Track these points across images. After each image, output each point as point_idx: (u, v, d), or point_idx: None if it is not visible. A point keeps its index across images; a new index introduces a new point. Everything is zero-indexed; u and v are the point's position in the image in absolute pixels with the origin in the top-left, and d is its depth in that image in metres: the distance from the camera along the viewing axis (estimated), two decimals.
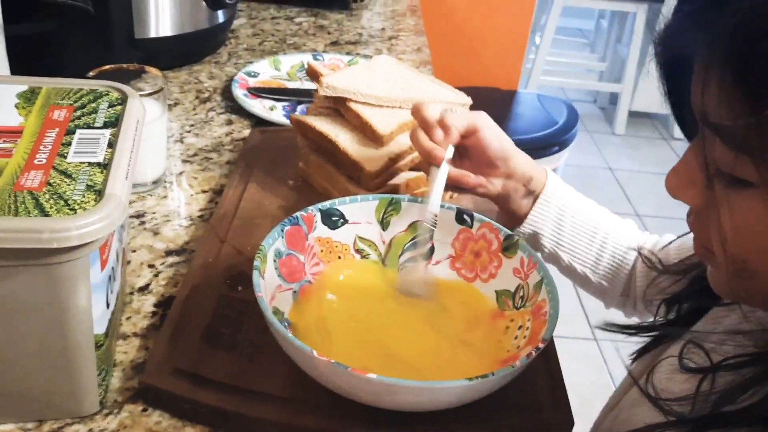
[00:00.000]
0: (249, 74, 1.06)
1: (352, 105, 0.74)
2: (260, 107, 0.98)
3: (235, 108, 0.99)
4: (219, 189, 0.81)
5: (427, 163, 0.65)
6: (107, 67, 0.77)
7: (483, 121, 0.65)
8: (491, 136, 0.65)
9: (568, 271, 0.72)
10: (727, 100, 0.38)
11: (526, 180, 0.68)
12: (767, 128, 0.36)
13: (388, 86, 0.77)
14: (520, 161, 0.67)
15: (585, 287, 0.74)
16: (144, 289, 0.66)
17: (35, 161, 0.49)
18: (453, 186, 0.66)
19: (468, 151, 0.66)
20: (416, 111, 0.66)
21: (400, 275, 0.65)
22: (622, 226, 0.73)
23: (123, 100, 0.58)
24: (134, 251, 0.71)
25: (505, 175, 0.67)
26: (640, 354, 0.61)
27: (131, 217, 0.75)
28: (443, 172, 0.63)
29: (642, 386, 0.50)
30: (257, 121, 0.96)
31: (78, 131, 0.53)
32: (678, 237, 0.69)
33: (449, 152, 0.63)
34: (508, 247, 0.63)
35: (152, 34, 1.03)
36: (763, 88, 0.36)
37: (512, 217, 0.71)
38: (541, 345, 0.51)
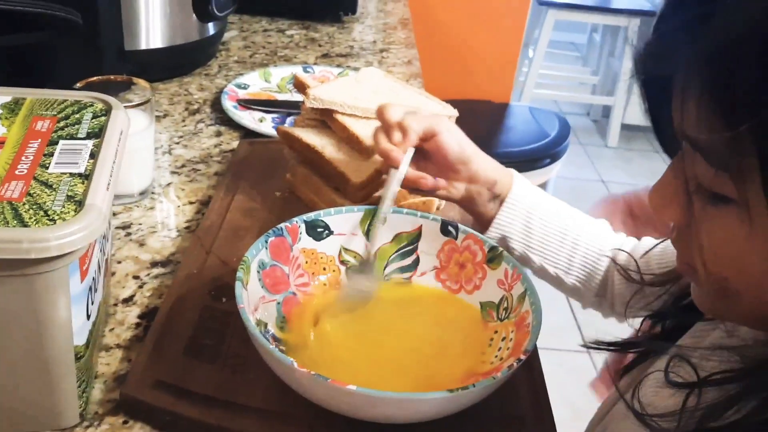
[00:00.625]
0: (239, 86, 1.07)
1: (339, 117, 0.75)
2: (249, 119, 0.98)
3: (224, 120, 0.99)
4: (206, 200, 0.81)
5: (386, 165, 0.65)
6: (95, 78, 0.77)
7: (443, 125, 0.66)
8: (450, 140, 0.65)
9: (541, 272, 0.72)
10: (705, 117, 0.39)
11: (490, 183, 0.68)
12: (744, 144, 0.37)
13: (375, 98, 0.77)
14: (483, 165, 0.67)
15: (560, 288, 0.74)
16: (128, 300, 0.66)
17: (16, 172, 0.49)
18: (411, 188, 0.67)
19: (429, 155, 0.67)
20: (379, 112, 0.66)
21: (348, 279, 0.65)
22: (595, 227, 0.72)
23: (107, 111, 0.58)
24: (119, 262, 0.70)
25: (468, 179, 0.67)
26: (627, 369, 0.60)
27: (117, 228, 0.75)
28: (400, 174, 0.63)
29: (628, 401, 0.49)
30: (246, 133, 0.96)
31: (61, 142, 0.53)
32: (659, 242, 0.69)
33: (407, 155, 0.64)
34: (493, 258, 0.63)
35: (142, 46, 1.03)
36: (739, 106, 0.36)
37: (480, 221, 0.71)
38: (522, 356, 0.50)
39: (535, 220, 0.69)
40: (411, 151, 0.64)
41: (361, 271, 0.64)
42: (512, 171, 0.71)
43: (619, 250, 0.70)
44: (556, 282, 0.72)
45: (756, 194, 0.39)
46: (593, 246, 0.71)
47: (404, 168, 0.63)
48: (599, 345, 0.58)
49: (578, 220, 0.72)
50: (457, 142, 0.66)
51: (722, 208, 0.40)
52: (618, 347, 0.59)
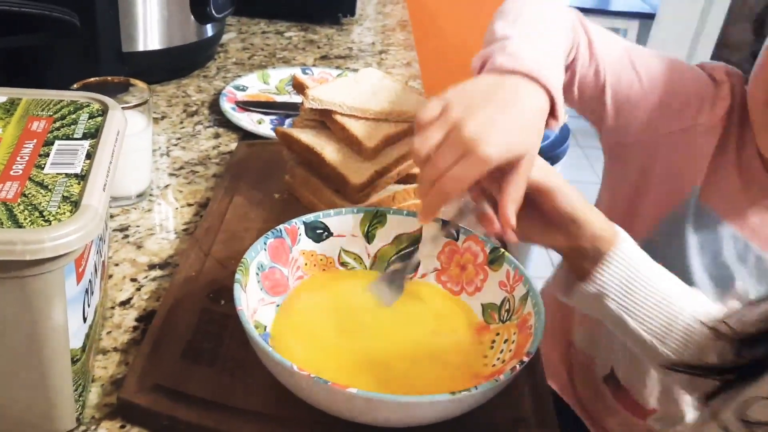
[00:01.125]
0: (237, 88, 1.06)
1: (338, 117, 0.74)
2: (248, 121, 0.97)
3: (222, 121, 0.98)
4: (204, 202, 0.81)
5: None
6: (92, 79, 0.76)
7: (556, 183, 0.57)
8: (563, 202, 0.57)
9: (634, 337, 0.62)
10: None
11: (595, 240, 0.59)
12: None
13: (374, 99, 0.77)
14: (591, 226, 0.59)
15: (650, 357, 0.64)
16: (126, 303, 0.65)
17: (11, 172, 0.48)
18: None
19: (537, 205, 0.58)
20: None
21: (380, 278, 0.62)
22: (695, 295, 0.64)
23: (104, 111, 0.57)
24: (117, 265, 0.70)
25: (574, 238, 0.59)
26: (712, 395, 0.56)
27: (114, 230, 0.75)
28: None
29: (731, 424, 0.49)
30: (245, 135, 0.95)
31: (57, 142, 0.52)
32: (761, 301, 0.62)
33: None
34: (494, 260, 0.62)
35: (140, 48, 1.02)
36: None
37: (577, 273, 0.62)
38: (525, 359, 0.50)
39: (636, 281, 0.60)
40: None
41: (391, 281, 0.61)
42: (617, 228, 0.61)
43: (722, 321, 0.61)
44: (650, 350, 0.62)
45: None
46: (693, 315, 0.62)
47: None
48: (680, 368, 0.57)
49: (680, 287, 0.63)
50: (570, 206, 0.58)
51: None
52: (701, 371, 0.57)
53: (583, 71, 0.77)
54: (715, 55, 3.20)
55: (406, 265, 0.62)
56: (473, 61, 0.63)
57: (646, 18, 2.85)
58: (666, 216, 0.79)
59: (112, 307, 0.65)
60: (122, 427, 0.53)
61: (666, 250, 0.74)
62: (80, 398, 0.52)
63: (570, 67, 0.76)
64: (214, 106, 1.02)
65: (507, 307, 0.59)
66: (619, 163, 0.86)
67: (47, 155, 0.51)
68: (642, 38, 3.00)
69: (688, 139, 0.77)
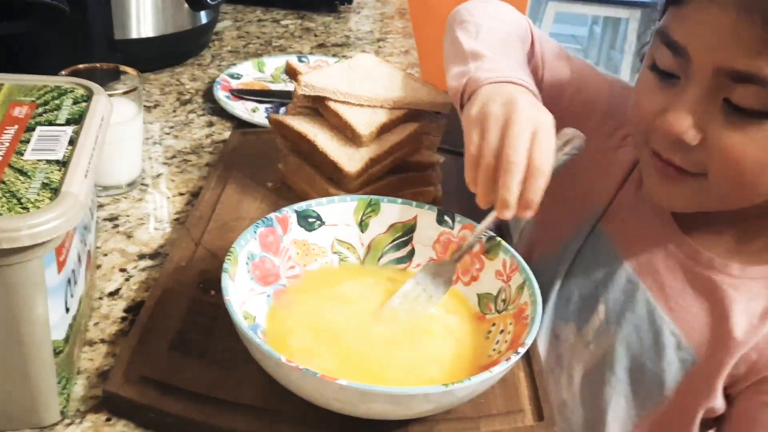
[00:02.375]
0: (232, 76, 1.04)
1: (332, 104, 0.72)
2: (242, 109, 0.96)
3: (216, 110, 0.97)
4: (197, 191, 0.79)
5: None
6: (81, 66, 0.75)
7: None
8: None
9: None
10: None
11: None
12: None
13: (369, 85, 0.75)
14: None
15: None
16: (114, 293, 0.64)
17: None
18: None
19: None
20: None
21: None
22: None
23: (88, 96, 0.56)
24: (105, 255, 0.68)
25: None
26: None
27: (104, 220, 0.73)
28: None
29: None
30: (239, 123, 0.94)
31: (38, 128, 0.51)
32: None
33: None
34: (490, 248, 0.60)
35: (133, 36, 1.01)
36: None
37: None
38: (521, 349, 0.48)
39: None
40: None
41: (437, 273, 0.60)
42: None
43: None
44: None
45: None
46: None
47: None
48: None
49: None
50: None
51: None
52: None
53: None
54: None
55: (456, 254, 0.60)
56: (451, 80, 0.68)
57: (648, 7, 2.82)
58: (581, 224, 0.76)
59: (100, 298, 0.63)
60: (108, 420, 0.52)
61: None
62: (64, 391, 0.51)
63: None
64: (208, 95, 1.00)
65: (503, 297, 0.58)
66: None
67: (28, 141, 0.49)
68: (644, 27, 2.98)
69: (608, 160, 0.74)
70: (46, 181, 0.45)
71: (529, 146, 0.54)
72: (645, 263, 0.69)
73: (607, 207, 0.74)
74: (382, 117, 0.73)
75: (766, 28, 0.50)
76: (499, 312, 0.57)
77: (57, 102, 0.54)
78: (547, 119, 0.58)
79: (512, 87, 0.61)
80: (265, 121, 0.92)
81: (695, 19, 0.54)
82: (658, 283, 0.68)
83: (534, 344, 0.56)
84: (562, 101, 0.76)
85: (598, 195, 0.74)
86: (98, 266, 0.66)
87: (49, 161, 0.47)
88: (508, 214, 0.55)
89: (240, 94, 0.99)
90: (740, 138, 0.54)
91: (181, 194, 0.79)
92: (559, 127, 0.69)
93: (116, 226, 0.73)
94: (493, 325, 0.57)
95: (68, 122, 0.52)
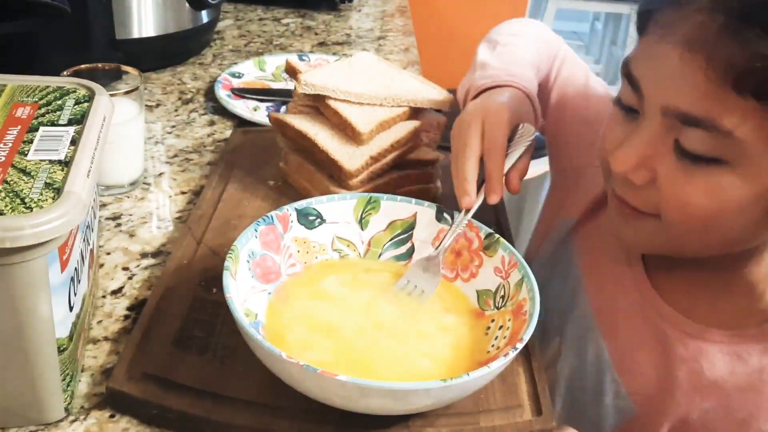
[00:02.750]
0: (233, 75, 1.05)
1: (332, 103, 0.73)
2: (243, 108, 0.96)
3: (217, 109, 0.97)
4: (198, 190, 0.80)
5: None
6: (82, 66, 0.75)
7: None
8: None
9: None
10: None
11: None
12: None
13: (368, 83, 0.75)
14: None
15: None
16: (117, 292, 0.65)
17: None
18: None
19: None
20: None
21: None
22: None
23: (90, 97, 0.56)
24: (108, 254, 0.69)
25: None
26: None
27: (107, 219, 0.74)
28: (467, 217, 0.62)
29: None
30: (240, 122, 0.94)
31: (41, 128, 0.51)
32: None
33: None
34: (489, 245, 0.61)
35: (134, 35, 1.01)
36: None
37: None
38: (519, 345, 0.49)
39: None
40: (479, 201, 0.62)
41: (426, 268, 0.61)
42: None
43: None
44: None
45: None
46: None
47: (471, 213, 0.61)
48: None
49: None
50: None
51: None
52: None
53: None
54: None
55: (439, 249, 0.62)
56: (459, 89, 0.74)
57: None
58: (554, 229, 0.76)
59: (103, 296, 0.64)
60: (111, 416, 0.53)
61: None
62: (68, 388, 0.51)
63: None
64: (210, 94, 1.01)
65: (502, 293, 0.58)
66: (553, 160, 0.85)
67: (31, 141, 0.50)
68: None
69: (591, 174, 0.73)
70: (48, 180, 0.46)
71: (481, 131, 0.62)
72: (604, 298, 0.67)
73: (581, 219, 0.72)
74: (381, 115, 0.73)
75: (709, 70, 0.46)
76: (497, 308, 0.58)
77: (59, 102, 0.55)
78: (493, 107, 0.64)
79: (499, 90, 0.68)
80: (266, 120, 0.93)
81: (648, 53, 0.52)
82: (612, 325, 0.65)
83: (532, 340, 0.56)
84: (565, 118, 0.78)
85: (575, 203, 0.74)
86: (101, 265, 0.67)
87: (51, 161, 0.48)
88: (467, 200, 0.61)
89: (241, 93, 1.00)
90: (688, 183, 0.51)
91: (183, 193, 0.79)
92: (559, 141, 0.71)
93: (119, 225, 0.73)
94: (492, 321, 0.58)
95: (70, 122, 0.53)
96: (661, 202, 0.53)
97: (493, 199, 0.61)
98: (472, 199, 0.60)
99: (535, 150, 2.10)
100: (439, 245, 0.62)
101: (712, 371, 0.59)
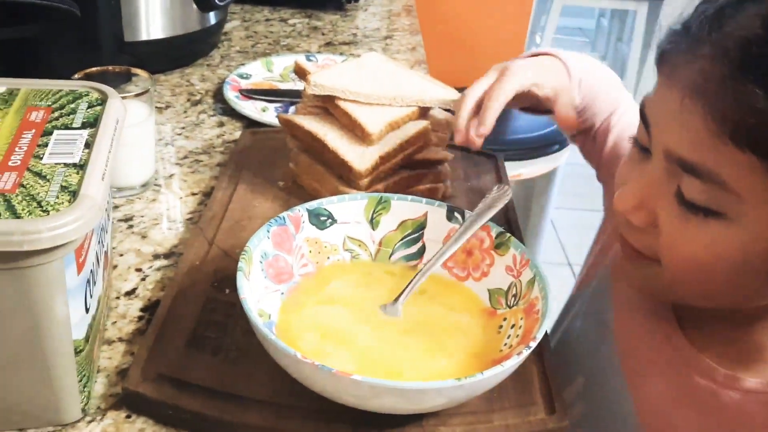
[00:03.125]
0: (241, 76, 1.05)
1: (341, 103, 0.73)
2: (252, 109, 0.97)
3: (226, 110, 0.98)
4: (209, 191, 0.80)
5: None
6: (93, 69, 0.76)
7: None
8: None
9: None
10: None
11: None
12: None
13: (377, 84, 0.76)
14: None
15: None
16: (131, 293, 0.65)
17: (9, 163, 0.48)
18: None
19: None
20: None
21: None
22: None
23: (103, 100, 0.57)
24: (121, 255, 0.69)
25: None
26: None
27: (119, 220, 0.74)
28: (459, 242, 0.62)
29: None
30: (249, 123, 0.95)
31: (55, 132, 0.52)
32: None
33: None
34: (500, 244, 0.61)
35: (143, 37, 1.02)
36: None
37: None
38: (532, 343, 0.49)
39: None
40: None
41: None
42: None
43: None
44: None
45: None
46: None
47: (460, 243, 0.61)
48: None
49: None
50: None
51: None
52: None
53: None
54: None
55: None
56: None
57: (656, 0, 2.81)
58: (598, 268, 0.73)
59: (117, 298, 0.64)
60: (128, 417, 0.53)
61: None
62: (85, 389, 0.52)
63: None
64: (218, 95, 1.01)
65: (514, 291, 0.58)
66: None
67: (46, 145, 0.50)
68: (651, 19, 2.97)
69: None
70: (64, 184, 0.46)
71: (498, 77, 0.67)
72: (633, 346, 0.63)
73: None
74: (390, 115, 0.74)
75: (708, 119, 0.45)
76: (509, 307, 0.58)
77: (72, 106, 0.55)
78: (519, 62, 0.68)
79: (538, 57, 0.72)
80: (275, 121, 0.93)
81: (657, 94, 0.50)
82: (640, 373, 0.61)
83: (545, 338, 0.56)
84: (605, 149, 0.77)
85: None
86: (114, 266, 0.68)
87: (66, 164, 0.48)
88: (457, 137, 0.67)
89: (249, 94, 1.00)
90: (686, 231, 0.48)
91: (194, 194, 0.80)
92: (611, 189, 0.64)
93: (131, 226, 0.74)
94: (504, 320, 0.58)
95: (84, 126, 0.53)
96: (659, 248, 0.51)
97: (476, 142, 0.67)
98: (462, 135, 0.67)
99: (545, 146, 2.09)
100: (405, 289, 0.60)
101: (750, 421, 0.55)
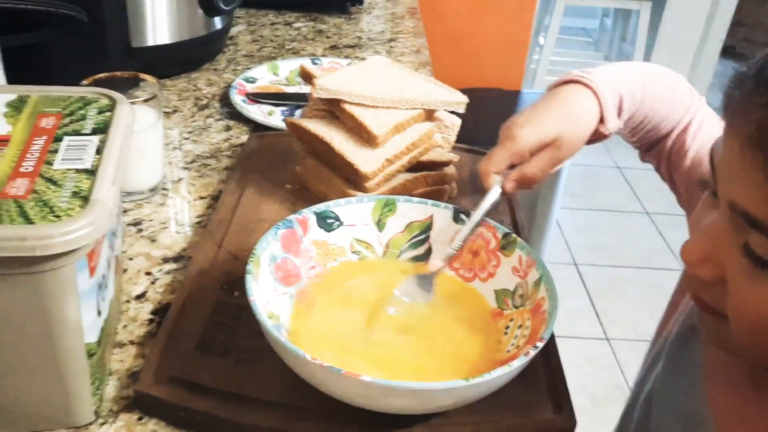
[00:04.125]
0: (247, 80, 1.06)
1: (347, 106, 0.74)
2: (258, 112, 0.97)
3: (233, 114, 0.98)
4: (217, 195, 0.81)
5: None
6: (101, 75, 0.77)
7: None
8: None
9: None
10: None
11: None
12: None
13: (382, 86, 0.76)
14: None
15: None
16: (141, 296, 0.66)
17: (21, 169, 0.48)
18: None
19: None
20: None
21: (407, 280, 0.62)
22: None
23: (112, 106, 0.57)
24: (131, 259, 0.70)
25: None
26: None
27: (128, 225, 0.75)
28: (486, 204, 0.63)
29: None
30: (255, 127, 0.95)
31: (66, 138, 0.52)
32: None
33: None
34: (506, 245, 0.61)
35: (149, 43, 1.02)
36: None
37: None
38: (539, 344, 0.49)
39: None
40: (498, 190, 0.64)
41: (419, 285, 0.62)
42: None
43: None
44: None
45: None
46: None
47: (491, 200, 0.63)
48: None
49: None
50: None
51: None
52: None
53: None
54: (730, 33, 3.15)
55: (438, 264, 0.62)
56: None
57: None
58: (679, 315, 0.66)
59: (128, 301, 0.65)
60: (140, 419, 0.54)
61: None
62: (98, 392, 0.52)
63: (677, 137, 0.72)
64: (225, 99, 1.02)
65: (520, 292, 0.59)
66: None
67: (57, 151, 0.51)
68: (654, 19, 2.96)
69: None
70: (75, 189, 0.47)
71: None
72: (727, 408, 0.56)
73: None
74: (396, 117, 0.74)
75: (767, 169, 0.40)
76: (516, 307, 0.59)
77: (82, 112, 0.56)
78: (521, 132, 0.64)
79: (569, 86, 0.67)
80: (281, 124, 0.94)
81: (723, 141, 0.46)
82: None
83: (552, 338, 0.57)
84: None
85: None
86: (124, 270, 0.68)
87: (77, 170, 0.49)
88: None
89: (256, 97, 1.01)
90: (756, 289, 0.44)
91: (202, 198, 0.81)
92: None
93: (140, 230, 0.74)
94: (511, 320, 0.58)
95: (94, 131, 0.54)
96: (727, 304, 0.47)
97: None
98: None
99: None
100: (442, 262, 0.62)
101: None
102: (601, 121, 0.66)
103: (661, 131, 0.72)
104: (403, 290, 0.61)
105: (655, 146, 0.73)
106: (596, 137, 0.68)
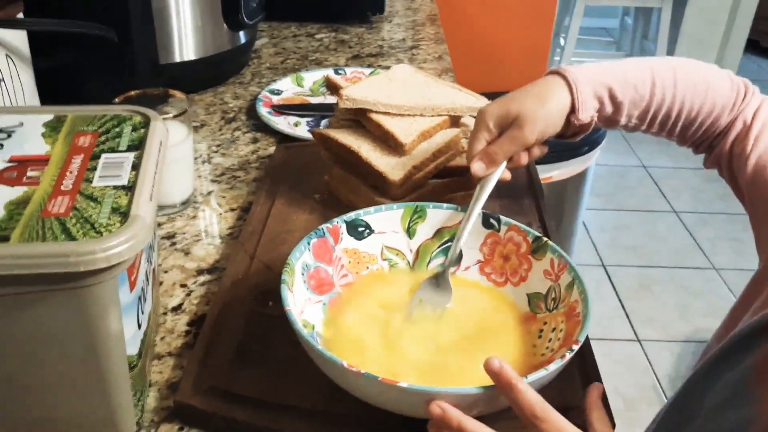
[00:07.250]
0: (272, 92, 1.07)
1: (373, 115, 0.74)
2: (284, 124, 0.98)
3: (260, 126, 1.00)
4: (247, 206, 0.82)
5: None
6: (132, 92, 0.78)
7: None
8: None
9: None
10: None
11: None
12: None
13: (407, 95, 0.77)
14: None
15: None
16: (177, 308, 0.67)
17: (61, 187, 0.50)
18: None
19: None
20: None
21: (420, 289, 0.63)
22: None
23: (146, 123, 0.59)
24: (166, 272, 0.71)
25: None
26: None
27: (162, 238, 0.76)
28: (484, 195, 0.65)
29: None
30: (282, 138, 0.96)
31: (103, 156, 0.54)
32: None
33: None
34: (537, 249, 0.62)
35: (177, 59, 1.04)
36: None
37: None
38: (574, 346, 0.49)
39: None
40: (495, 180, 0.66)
41: (436, 285, 0.63)
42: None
43: None
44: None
45: None
46: None
47: (488, 191, 0.65)
48: None
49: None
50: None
51: None
52: None
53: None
54: (754, 28, 3.11)
55: (445, 262, 0.62)
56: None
57: None
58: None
59: (165, 313, 0.66)
60: (180, 429, 0.55)
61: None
62: (139, 403, 0.53)
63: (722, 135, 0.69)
64: (251, 112, 1.04)
65: (553, 295, 0.59)
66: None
67: (95, 169, 0.52)
68: (676, 16, 2.94)
69: None
70: (114, 205, 0.48)
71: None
72: None
73: None
74: (422, 125, 0.75)
75: None
76: (549, 311, 0.59)
77: (117, 130, 0.57)
78: (489, 108, 0.66)
79: (548, 77, 0.68)
80: (307, 135, 0.95)
81: None
82: None
83: (587, 341, 0.57)
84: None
85: None
86: (160, 283, 0.70)
87: (116, 187, 0.50)
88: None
89: (281, 109, 1.02)
90: None
91: (232, 210, 0.82)
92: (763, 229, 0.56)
93: (174, 243, 0.76)
94: (545, 323, 0.58)
95: (129, 148, 0.55)
96: None
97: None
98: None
99: (575, 148, 2.07)
100: (446, 260, 0.63)
101: None
102: (575, 111, 0.66)
103: (703, 126, 0.68)
104: (421, 294, 0.62)
105: (713, 149, 0.70)
106: (574, 130, 0.69)
